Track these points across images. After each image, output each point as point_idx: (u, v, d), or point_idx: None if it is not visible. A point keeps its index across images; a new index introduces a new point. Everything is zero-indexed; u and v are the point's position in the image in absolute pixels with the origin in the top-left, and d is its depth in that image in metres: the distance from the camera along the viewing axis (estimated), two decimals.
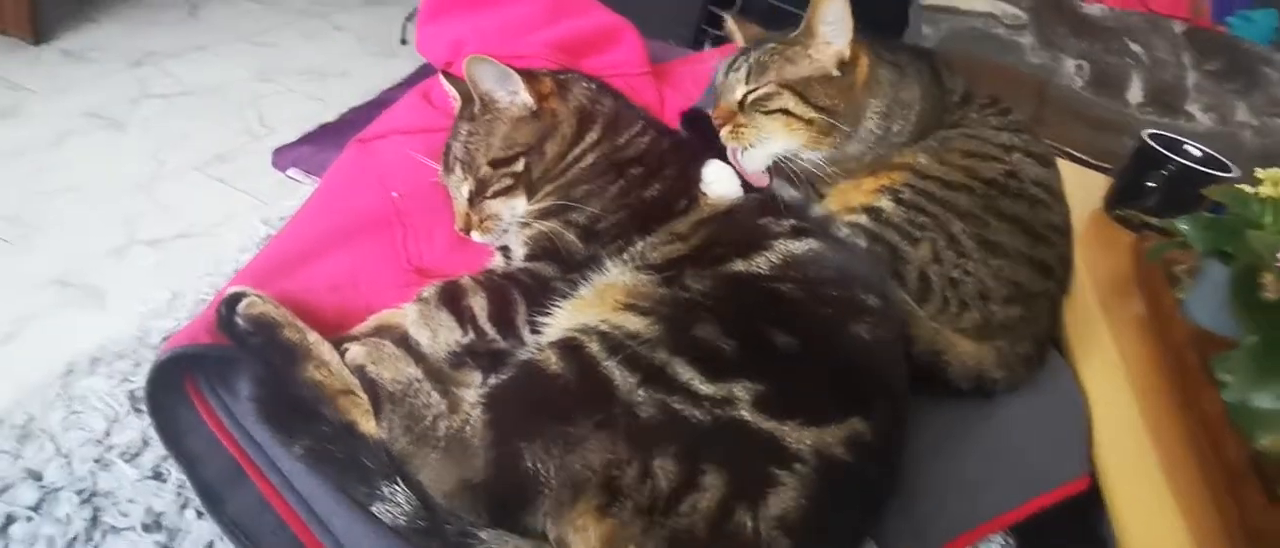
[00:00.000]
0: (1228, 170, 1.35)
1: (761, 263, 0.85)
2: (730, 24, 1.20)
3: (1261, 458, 0.86)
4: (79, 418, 0.76)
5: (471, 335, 0.86)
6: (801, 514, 0.68)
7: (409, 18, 2.91)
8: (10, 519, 0.68)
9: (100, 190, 1.97)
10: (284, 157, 2.13)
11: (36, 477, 0.71)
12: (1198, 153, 1.41)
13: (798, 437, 0.71)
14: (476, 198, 1.00)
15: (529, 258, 0.95)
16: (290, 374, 0.77)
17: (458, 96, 1.06)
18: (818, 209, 1.07)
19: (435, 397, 0.75)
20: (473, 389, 0.80)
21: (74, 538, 0.68)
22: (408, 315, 0.87)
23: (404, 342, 0.85)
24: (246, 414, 0.76)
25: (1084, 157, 1.79)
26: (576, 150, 1.01)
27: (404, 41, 2.98)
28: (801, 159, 1.06)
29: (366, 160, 1.10)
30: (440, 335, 0.86)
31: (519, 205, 1.00)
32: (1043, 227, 1.05)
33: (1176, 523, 0.89)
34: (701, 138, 1.10)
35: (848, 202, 1.06)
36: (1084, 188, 1.44)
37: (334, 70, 2.74)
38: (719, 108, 1.08)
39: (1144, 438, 1.00)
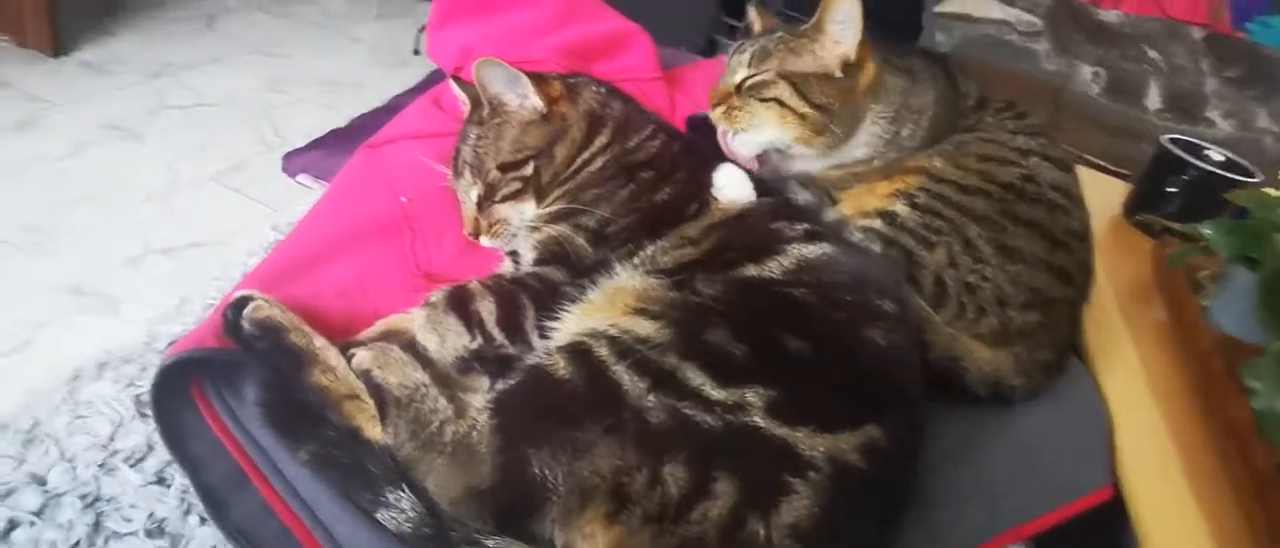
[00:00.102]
0: (1251, 176, 1.33)
1: (774, 267, 0.83)
2: (752, 13, 1.19)
3: None
4: (84, 423, 0.76)
5: (479, 341, 0.85)
6: (815, 523, 0.67)
7: (422, 29, 2.92)
8: (13, 524, 0.68)
9: (116, 200, 1.99)
10: (293, 162, 2.14)
11: (40, 482, 0.71)
12: (1219, 158, 1.39)
13: (811, 444, 0.69)
14: (485, 202, 0.99)
15: (538, 262, 0.94)
16: (296, 379, 0.76)
17: (467, 101, 1.06)
18: (831, 213, 1.05)
19: (442, 402, 0.74)
20: (480, 395, 0.79)
21: (76, 544, 0.68)
22: (415, 320, 0.86)
23: (411, 347, 0.84)
24: (251, 419, 0.75)
25: (1102, 163, 1.76)
26: (586, 154, 1.00)
27: (417, 52, 3.00)
28: (793, 153, 1.04)
29: (375, 165, 1.09)
30: (448, 341, 0.85)
31: (528, 209, 0.99)
32: (1061, 232, 1.03)
33: (1202, 533, 0.87)
34: (711, 142, 1.09)
35: (862, 206, 1.04)
36: (1102, 194, 1.41)
37: (347, 81, 2.76)
38: (716, 88, 1.08)
39: (1168, 447, 0.97)
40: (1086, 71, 2.29)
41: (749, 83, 1.05)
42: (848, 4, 1.00)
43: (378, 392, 0.75)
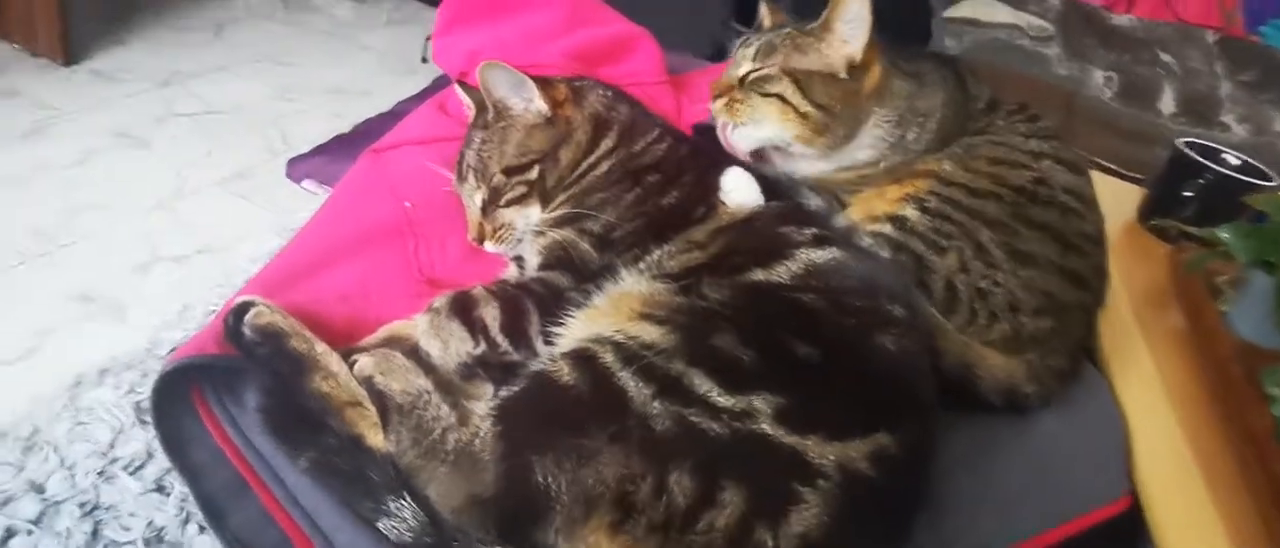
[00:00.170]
0: (1268, 179, 1.31)
1: (782, 272, 0.82)
2: (763, 8, 1.17)
3: None
4: (84, 430, 0.75)
5: (483, 347, 0.84)
6: (825, 533, 0.65)
7: (430, 37, 2.93)
8: (10, 533, 0.67)
9: (125, 207, 1.99)
10: (298, 168, 2.14)
11: (39, 489, 0.70)
12: (1235, 161, 1.37)
13: (821, 451, 0.68)
14: (490, 206, 0.98)
15: (543, 267, 0.93)
16: (297, 385, 0.75)
17: (473, 106, 1.05)
18: (841, 218, 1.04)
19: (445, 409, 0.73)
20: (484, 402, 0.78)
21: None
22: (418, 326, 0.85)
23: (414, 353, 0.83)
24: (252, 426, 0.74)
25: (1115, 167, 1.74)
26: (591, 157, 0.99)
27: (425, 60, 2.99)
28: (794, 151, 1.03)
29: (379, 170, 1.09)
30: (451, 347, 0.84)
31: (533, 214, 0.98)
32: (1074, 235, 1.01)
33: (1222, 543, 0.85)
34: (718, 146, 1.08)
35: (871, 210, 1.03)
36: (1115, 199, 1.39)
37: (356, 89, 2.75)
38: (719, 80, 1.07)
39: (1186, 455, 0.95)
40: (1099, 76, 2.27)
41: (753, 76, 1.04)
42: (857, 4, 0.99)
43: (380, 399, 0.74)
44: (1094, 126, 1.98)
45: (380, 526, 0.68)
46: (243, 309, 0.78)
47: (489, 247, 1.00)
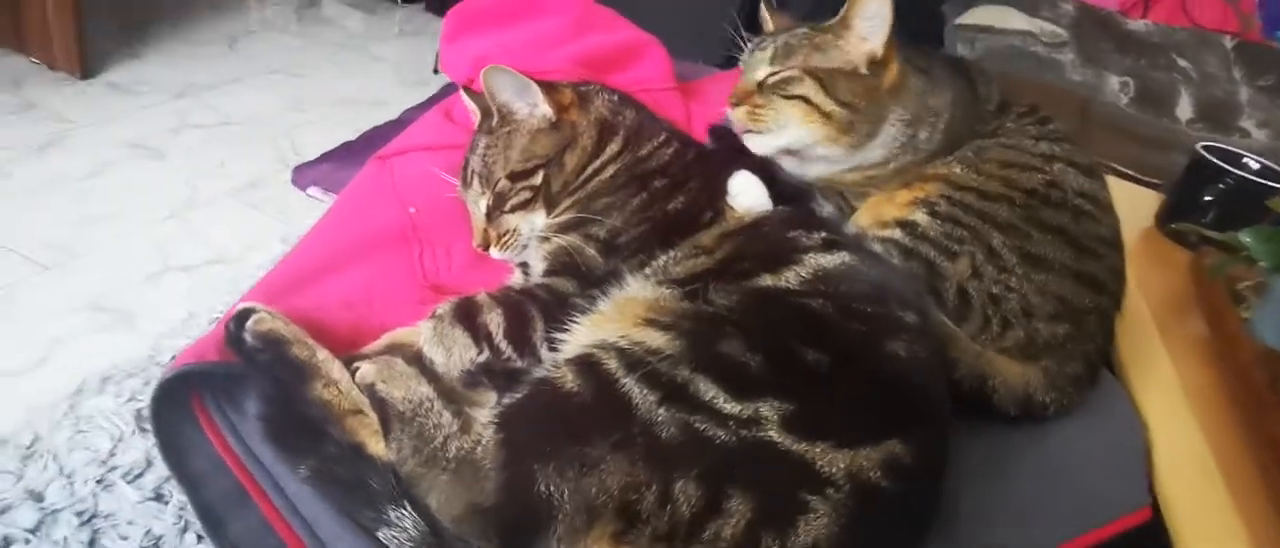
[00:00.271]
0: None
1: (790, 277, 0.80)
2: (764, 13, 1.16)
3: None
4: (84, 437, 0.74)
5: (487, 353, 0.83)
6: (835, 543, 0.63)
7: None
8: (8, 542, 0.66)
9: (138, 218, 2.00)
10: (304, 175, 2.14)
11: (37, 498, 0.69)
12: (1256, 165, 1.34)
13: (830, 460, 0.66)
14: (494, 212, 0.98)
15: (548, 273, 0.92)
16: (298, 392, 0.74)
17: (478, 112, 1.05)
18: (850, 226, 1.02)
19: (447, 417, 0.72)
20: (487, 410, 0.76)
21: None
22: (422, 333, 0.84)
23: (418, 360, 0.82)
24: (252, 434, 0.73)
25: (1132, 173, 1.72)
26: (597, 162, 0.98)
27: (437, 70, 3.01)
28: (815, 154, 1.01)
29: (385, 177, 1.08)
30: (455, 353, 0.82)
31: (538, 220, 0.97)
32: (1089, 239, 0.99)
33: None
34: (729, 151, 1.06)
35: (880, 215, 1.01)
36: (1133, 205, 1.37)
37: (368, 99, 2.77)
38: (737, 86, 1.05)
39: (1208, 464, 0.93)
40: (1114, 82, 2.24)
41: (772, 80, 1.03)
42: (877, 1, 0.97)
43: (381, 406, 0.73)
44: (1110, 133, 1.96)
45: (380, 535, 0.67)
46: (244, 315, 0.77)
47: (494, 253, 0.99)
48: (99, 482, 0.71)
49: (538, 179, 0.97)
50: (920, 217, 0.98)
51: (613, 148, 1.00)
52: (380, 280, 0.93)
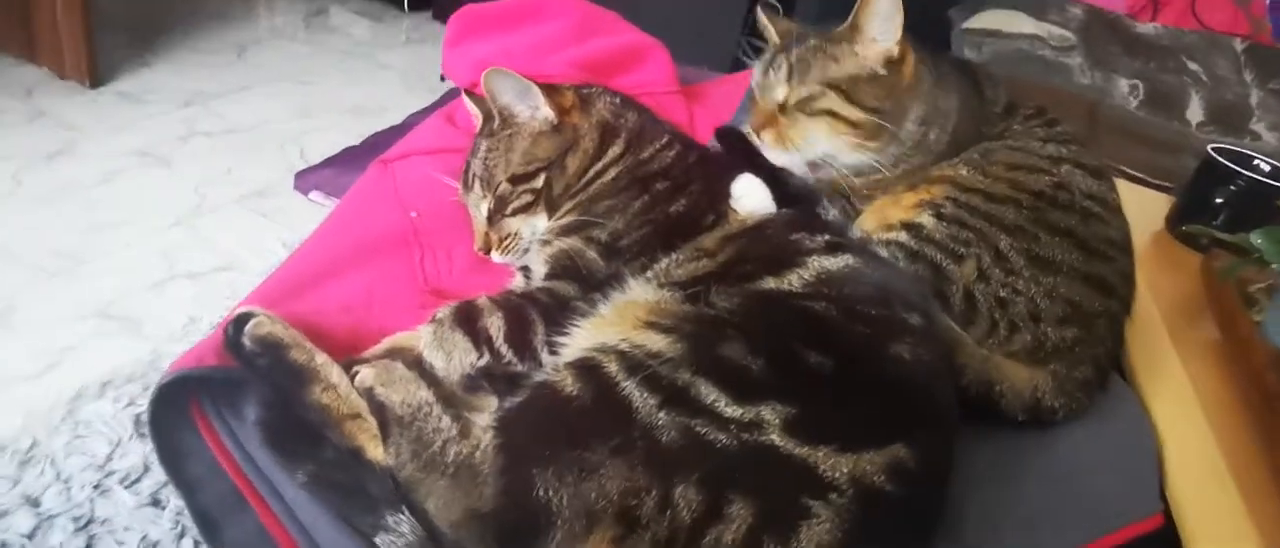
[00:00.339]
0: None
1: (793, 280, 0.80)
2: (763, 20, 1.13)
3: None
4: (82, 443, 0.74)
5: (488, 357, 0.82)
6: None
7: None
8: (4, 547, 0.66)
9: (145, 225, 2.01)
10: (306, 180, 2.15)
11: (34, 503, 0.69)
12: (1267, 167, 1.33)
13: (833, 464, 0.65)
14: (496, 215, 0.97)
15: (549, 276, 0.91)
16: (297, 396, 0.74)
17: (479, 115, 1.04)
18: (854, 230, 1.01)
19: (446, 421, 0.71)
20: (487, 414, 0.76)
21: None
22: (422, 337, 0.83)
23: (418, 364, 0.81)
24: (250, 439, 0.73)
25: (1142, 176, 1.70)
26: (598, 165, 0.98)
27: (444, 78, 3.02)
28: (840, 162, 1.00)
29: (386, 181, 1.08)
30: (455, 358, 0.82)
31: (539, 223, 0.97)
32: (1098, 241, 0.98)
33: None
34: (734, 153, 1.06)
35: (886, 218, 1.00)
36: (1142, 208, 1.35)
37: (375, 106, 2.78)
38: (758, 111, 1.03)
39: (1221, 469, 0.91)
40: (1123, 85, 2.23)
41: (794, 99, 1.01)
42: (887, 2, 0.97)
43: (380, 410, 0.72)
44: (1119, 136, 1.94)
45: (378, 541, 0.66)
46: (243, 320, 0.77)
47: (495, 256, 0.98)
48: (96, 487, 0.71)
49: (539, 182, 0.96)
50: (926, 219, 0.97)
51: (615, 150, 0.99)
52: (381, 284, 0.92)
